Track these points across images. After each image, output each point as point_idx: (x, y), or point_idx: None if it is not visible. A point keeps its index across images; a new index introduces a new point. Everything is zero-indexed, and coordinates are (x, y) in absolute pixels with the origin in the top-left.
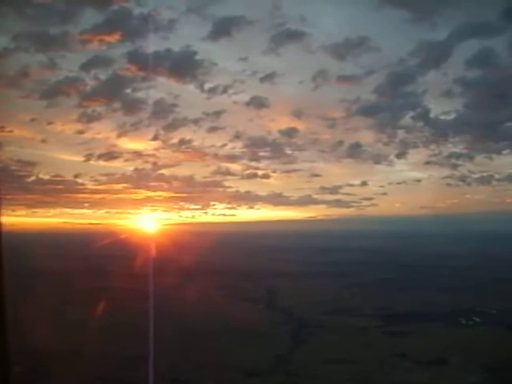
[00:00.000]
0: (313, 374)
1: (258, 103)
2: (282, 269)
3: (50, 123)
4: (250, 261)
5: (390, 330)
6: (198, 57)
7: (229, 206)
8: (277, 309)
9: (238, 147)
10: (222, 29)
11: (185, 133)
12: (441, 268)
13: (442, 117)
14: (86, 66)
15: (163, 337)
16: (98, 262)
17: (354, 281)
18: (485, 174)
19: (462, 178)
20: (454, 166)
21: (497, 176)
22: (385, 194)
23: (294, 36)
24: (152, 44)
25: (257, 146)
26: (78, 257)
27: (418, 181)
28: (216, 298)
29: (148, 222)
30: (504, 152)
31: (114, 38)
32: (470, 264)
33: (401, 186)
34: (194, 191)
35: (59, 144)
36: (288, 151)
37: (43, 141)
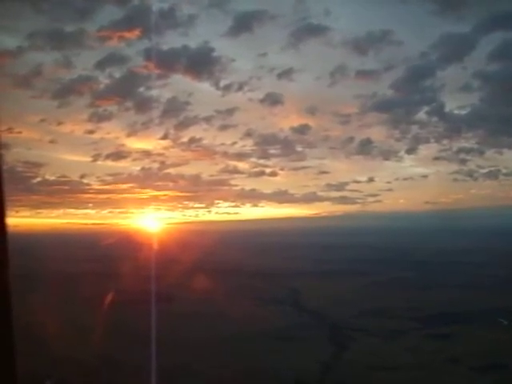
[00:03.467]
0: (365, 383)
1: (272, 100)
2: (294, 268)
3: (59, 123)
4: (260, 260)
5: (430, 332)
6: (215, 53)
7: (233, 204)
8: (305, 311)
9: (248, 145)
10: (243, 24)
11: (195, 131)
12: (458, 264)
13: (457, 111)
14: (101, 64)
15: (195, 342)
16: (102, 264)
17: (373, 279)
18: (493, 169)
19: (470, 173)
20: (463, 161)
21: (504, 171)
22: (390, 190)
23: (315, 31)
24: (170, 41)
25: (267, 144)
26: (81, 258)
27: (425, 176)
28: (240, 299)
29: (152, 221)
30: None
31: (133, 35)
32: (485, 260)
33: (407, 182)
34: (199, 190)
35: (68, 145)
36: (298, 148)
37: (52, 141)
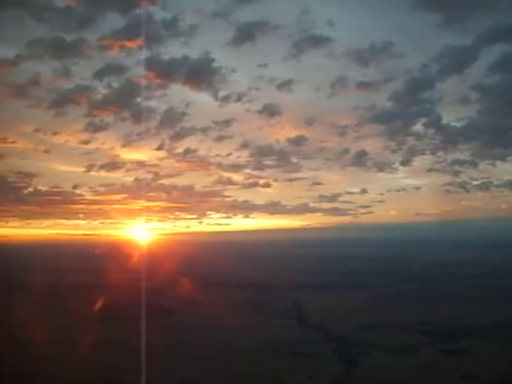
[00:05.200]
0: None
1: (270, 111)
2: (293, 280)
3: (55, 133)
4: (256, 272)
5: (443, 347)
6: (215, 64)
7: (225, 215)
8: (311, 325)
9: (243, 156)
10: (246, 34)
11: (191, 142)
12: (457, 277)
13: (454, 123)
14: (100, 74)
15: (203, 359)
16: (91, 275)
17: (374, 292)
18: (485, 181)
19: (462, 185)
20: (456, 173)
21: (496, 182)
22: (382, 201)
23: (317, 41)
24: (171, 50)
25: (263, 155)
26: (69, 269)
27: (418, 188)
28: (238, 312)
29: (142, 231)
30: (508, 158)
31: (135, 44)
32: (483, 272)
33: (399, 194)
34: (191, 201)
35: (62, 155)
36: (294, 160)
37: (46, 151)
